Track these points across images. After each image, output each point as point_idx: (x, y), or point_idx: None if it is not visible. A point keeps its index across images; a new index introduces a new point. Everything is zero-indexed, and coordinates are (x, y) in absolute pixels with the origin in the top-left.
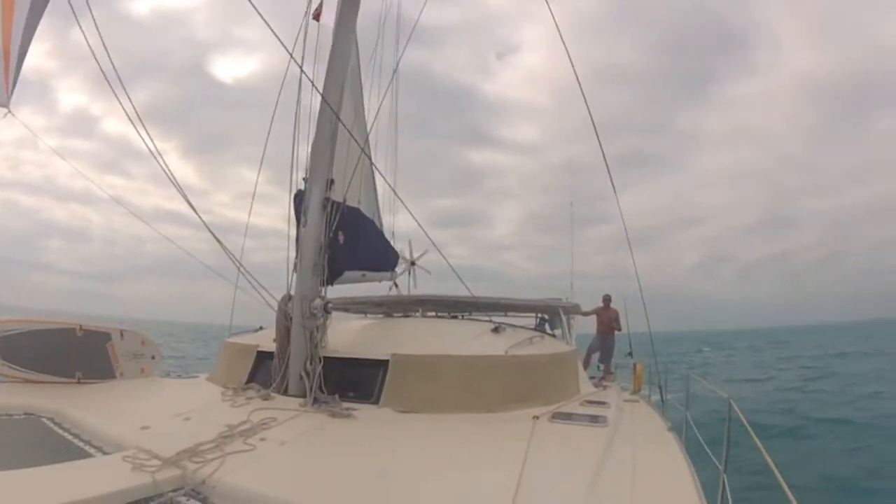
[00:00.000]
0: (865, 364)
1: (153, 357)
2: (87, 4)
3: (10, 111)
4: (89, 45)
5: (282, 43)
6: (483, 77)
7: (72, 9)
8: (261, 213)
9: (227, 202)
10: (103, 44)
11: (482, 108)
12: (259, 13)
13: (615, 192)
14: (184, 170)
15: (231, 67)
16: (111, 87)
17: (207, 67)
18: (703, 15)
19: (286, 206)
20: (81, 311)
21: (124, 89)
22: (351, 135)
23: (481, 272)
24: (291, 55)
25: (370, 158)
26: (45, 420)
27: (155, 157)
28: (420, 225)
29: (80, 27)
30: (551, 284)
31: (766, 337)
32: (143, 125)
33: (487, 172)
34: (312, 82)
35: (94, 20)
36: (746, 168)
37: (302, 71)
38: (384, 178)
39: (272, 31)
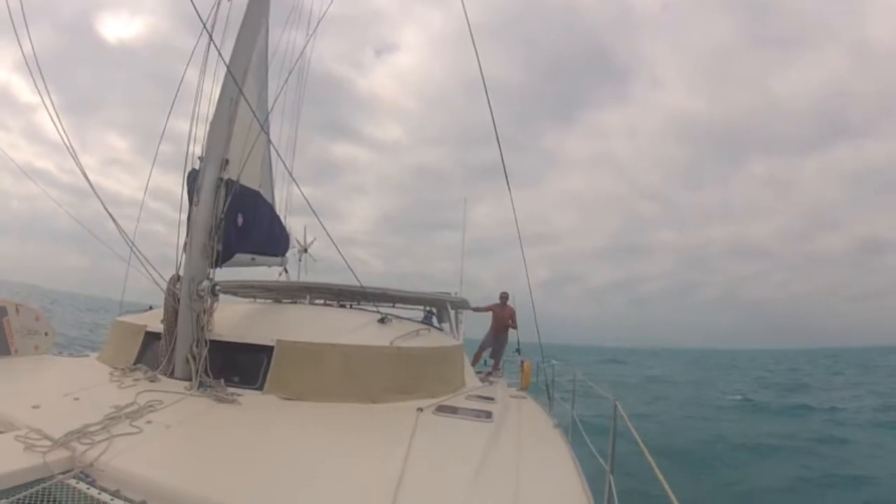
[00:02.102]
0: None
1: (47, 334)
2: None
3: None
4: None
5: (199, 16)
6: (358, 71)
7: None
8: (124, 182)
9: (93, 166)
10: None
11: (352, 102)
12: None
13: (511, 199)
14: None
15: (115, 28)
16: (14, 28)
17: (93, 24)
18: (587, 43)
19: (147, 176)
20: None
21: (28, 34)
22: (256, 117)
23: (330, 265)
24: (210, 33)
25: (272, 144)
26: None
27: (54, 122)
28: (319, 220)
29: None
30: (397, 284)
31: (605, 355)
32: (41, 76)
33: (347, 167)
34: (223, 58)
35: None
36: (604, 194)
37: (219, 52)
38: (285, 164)
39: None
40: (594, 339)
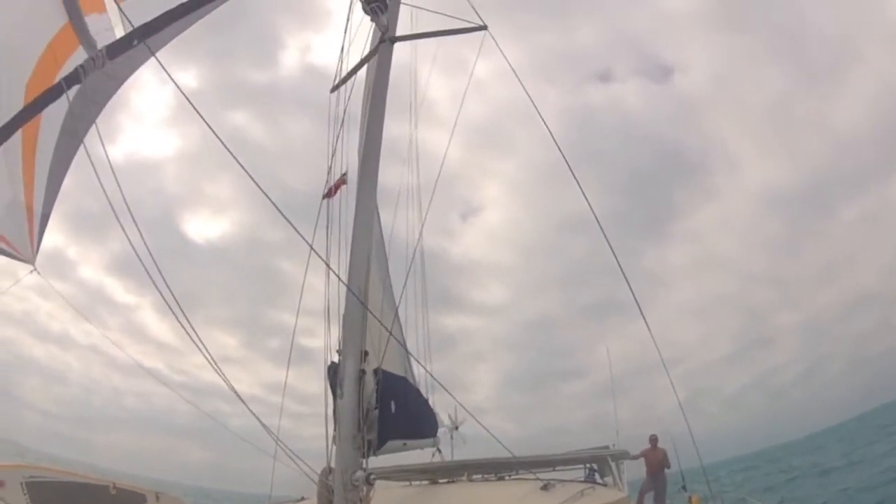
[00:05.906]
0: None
1: None
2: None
3: (35, 269)
4: (101, 186)
5: (305, 240)
6: (449, 240)
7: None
8: (237, 378)
9: (202, 364)
10: (117, 183)
11: (451, 270)
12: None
13: (643, 315)
14: (161, 327)
15: (201, 224)
16: (126, 234)
17: (177, 221)
18: (656, 147)
19: (258, 371)
20: (58, 454)
21: (140, 234)
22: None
23: (475, 439)
24: (326, 260)
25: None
26: None
27: (188, 333)
28: (457, 401)
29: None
30: (533, 446)
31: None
32: (158, 269)
33: (461, 337)
34: (337, 274)
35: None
36: (715, 297)
37: (331, 269)
38: (417, 361)
39: (304, 240)
40: (742, 447)
